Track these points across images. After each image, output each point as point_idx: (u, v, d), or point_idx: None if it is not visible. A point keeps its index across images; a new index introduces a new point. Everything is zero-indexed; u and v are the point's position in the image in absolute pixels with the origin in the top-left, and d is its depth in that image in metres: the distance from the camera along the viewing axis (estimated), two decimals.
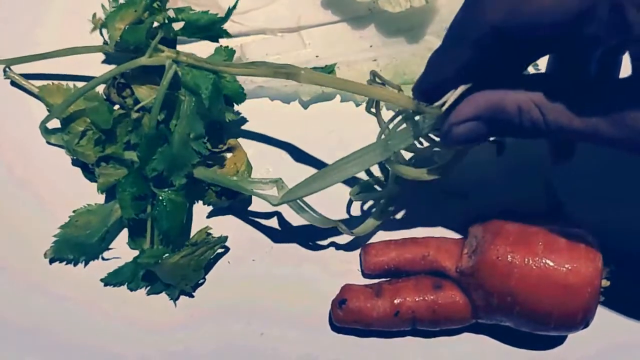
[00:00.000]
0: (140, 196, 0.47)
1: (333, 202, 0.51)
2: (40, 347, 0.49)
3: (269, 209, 0.50)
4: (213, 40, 0.49)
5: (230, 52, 0.50)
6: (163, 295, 0.49)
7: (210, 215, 0.51)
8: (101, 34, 0.51)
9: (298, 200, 0.45)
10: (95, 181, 0.50)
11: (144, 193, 0.47)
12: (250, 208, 0.51)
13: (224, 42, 0.50)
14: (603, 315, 0.47)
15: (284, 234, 0.51)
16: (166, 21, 0.47)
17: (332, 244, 0.51)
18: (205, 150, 0.47)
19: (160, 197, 0.47)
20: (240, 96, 0.49)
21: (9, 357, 0.48)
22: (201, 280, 0.50)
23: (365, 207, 0.52)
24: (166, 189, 0.47)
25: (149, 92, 0.49)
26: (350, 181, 0.50)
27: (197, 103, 0.46)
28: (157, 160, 0.46)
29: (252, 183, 0.47)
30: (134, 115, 0.49)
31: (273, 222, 0.51)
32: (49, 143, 0.52)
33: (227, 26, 0.49)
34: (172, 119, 0.47)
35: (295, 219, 0.50)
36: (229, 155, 0.50)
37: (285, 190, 0.46)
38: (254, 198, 0.51)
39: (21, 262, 0.50)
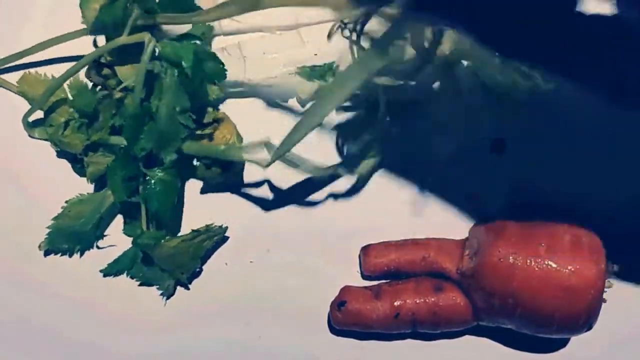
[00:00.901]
0: (130, 177, 0.47)
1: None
2: (31, 345, 0.49)
3: (269, 204, 0.50)
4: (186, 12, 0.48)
5: (208, 27, 0.50)
6: (159, 295, 0.49)
7: (204, 191, 0.51)
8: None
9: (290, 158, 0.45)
10: (83, 174, 0.50)
11: (133, 174, 0.47)
12: (249, 204, 0.51)
13: (220, 40, 0.50)
14: (606, 318, 0.46)
15: (283, 234, 0.51)
16: None
17: (332, 245, 0.50)
18: (192, 123, 0.47)
19: (150, 177, 0.47)
20: (221, 73, 0.48)
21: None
22: (198, 277, 0.49)
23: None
24: (155, 168, 0.47)
25: (131, 71, 0.48)
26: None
27: (180, 76, 0.46)
28: (145, 138, 0.46)
29: (241, 149, 0.47)
30: (117, 95, 0.48)
31: (271, 222, 0.51)
32: (31, 137, 0.51)
33: (225, 24, 0.49)
34: (153, 95, 0.47)
35: (296, 219, 0.50)
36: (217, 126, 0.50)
37: (274, 149, 0.45)
38: (250, 189, 0.51)
39: (14, 259, 0.50)
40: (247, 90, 0.52)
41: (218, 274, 0.50)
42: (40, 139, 0.51)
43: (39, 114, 0.50)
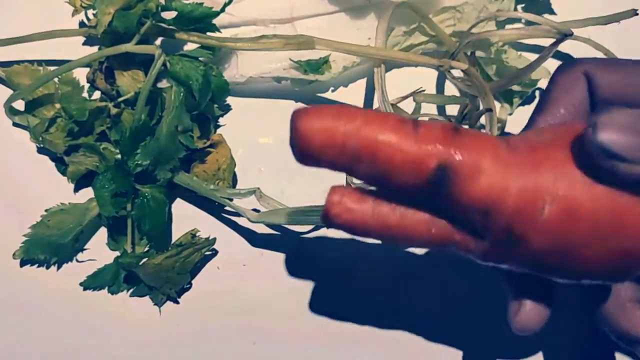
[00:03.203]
0: (121, 192, 0.46)
1: None
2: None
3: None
4: (200, 33, 0.48)
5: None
6: (148, 302, 0.48)
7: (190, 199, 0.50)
8: (87, 17, 0.50)
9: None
10: (65, 172, 0.49)
11: (125, 189, 0.46)
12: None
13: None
14: None
15: (277, 237, 0.50)
16: (159, 10, 0.47)
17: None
18: (193, 143, 0.47)
19: (142, 194, 0.46)
20: (224, 92, 0.49)
21: None
22: (188, 286, 0.48)
23: None
24: (147, 185, 0.46)
25: (130, 80, 0.48)
26: None
27: (185, 95, 0.46)
28: (142, 154, 0.45)
29: (230, 193, 0.47)
30: (114, 111, 0.48)
31: (264, 226, 0.50)
32: (15, 125, 0.50)
33: (217, 18, 0.48)
34: (154, 111, 0.47)
35: None
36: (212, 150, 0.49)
37: (264, 199, 0.46)
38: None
39: None
40: (240, 87, 0.51)
41: (209, 279, 0.49)
42: (20, 127, 0.50)
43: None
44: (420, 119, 0.41)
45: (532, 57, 0.50)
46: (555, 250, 0.32)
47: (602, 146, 0.31)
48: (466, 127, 0.48)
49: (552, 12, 0.53)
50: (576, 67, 0.38)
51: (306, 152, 0.32)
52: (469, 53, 0.46)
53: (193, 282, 0.48)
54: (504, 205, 0.31)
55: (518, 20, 0.52)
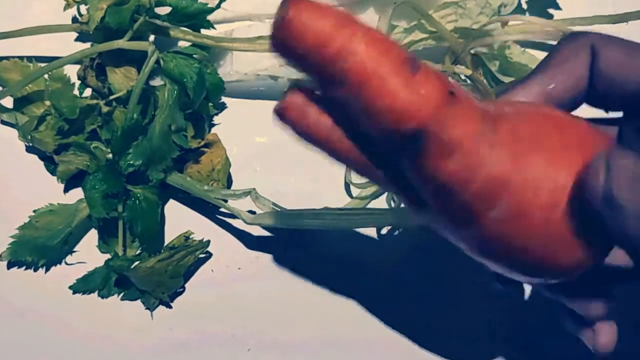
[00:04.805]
0: (112, 193, 0.46)
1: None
2: None
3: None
4: (194, 29, 0.48)
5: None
6: (139, 306, 0.48)
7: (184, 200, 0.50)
8: (79, 12, 0.49)
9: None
10: (52, 170, 0.49)
11: (116, 190, 0.46)
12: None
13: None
14: None
15: (273, 239, 0.49)
16: (152, 5, 0.46)
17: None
18: (187, 143, 0.47)
19: (137, 195, 0.46)
20: (219, 90, 0.49)
21: None
22: (181, 290, 0.48)
23: None
24: (139, 186, 0.46)
25: (122, 78, 0.48)
26: None
27: (179, 93, 0.46)
28: (134, 153, 0.45)
29: (225, 194, 0.47)
30: (105, 109, 0.47)
31: (260, 228, 0.49)
32: (3, 123, 0.50)
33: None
34: (147, 110, 0.47)
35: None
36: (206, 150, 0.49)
37: (260, 201, 0.46)
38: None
39: None
40: (235, 84, 0.50)
41: (202, 282, 0.48)
42: (9, 125, 0.49)
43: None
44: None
45: (536, 52, 0.50)
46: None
47: (606, 194, 0.27)
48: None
49: (557, 7, 0.53)
50: (584, 38, 0.37)
51: (290, 46, 0.28)
52: (472, 51, 0.46)
53: (186, 285, 0.48)
54: (467, 189, 0.29)
55: (523, 13, 0.52)
